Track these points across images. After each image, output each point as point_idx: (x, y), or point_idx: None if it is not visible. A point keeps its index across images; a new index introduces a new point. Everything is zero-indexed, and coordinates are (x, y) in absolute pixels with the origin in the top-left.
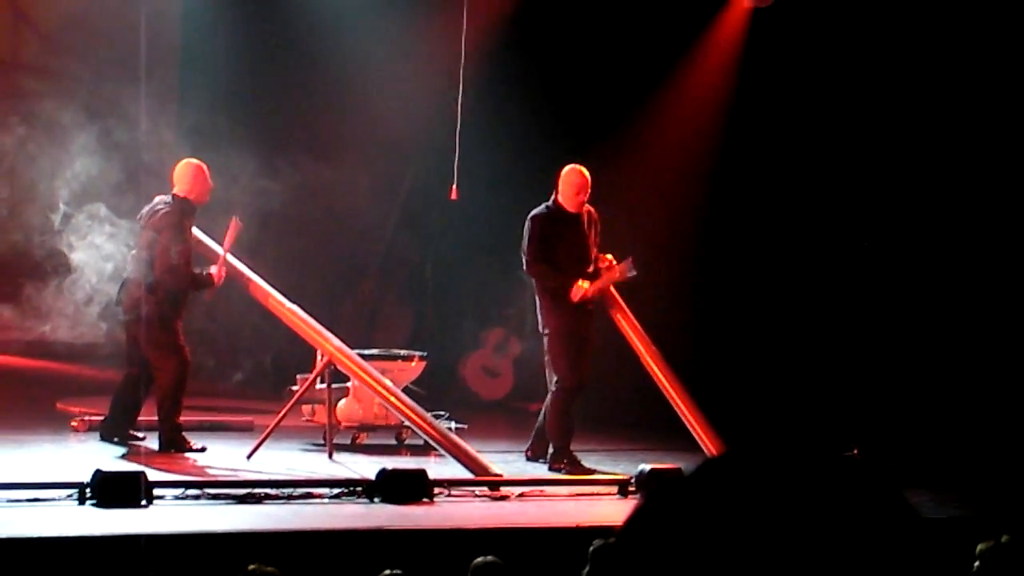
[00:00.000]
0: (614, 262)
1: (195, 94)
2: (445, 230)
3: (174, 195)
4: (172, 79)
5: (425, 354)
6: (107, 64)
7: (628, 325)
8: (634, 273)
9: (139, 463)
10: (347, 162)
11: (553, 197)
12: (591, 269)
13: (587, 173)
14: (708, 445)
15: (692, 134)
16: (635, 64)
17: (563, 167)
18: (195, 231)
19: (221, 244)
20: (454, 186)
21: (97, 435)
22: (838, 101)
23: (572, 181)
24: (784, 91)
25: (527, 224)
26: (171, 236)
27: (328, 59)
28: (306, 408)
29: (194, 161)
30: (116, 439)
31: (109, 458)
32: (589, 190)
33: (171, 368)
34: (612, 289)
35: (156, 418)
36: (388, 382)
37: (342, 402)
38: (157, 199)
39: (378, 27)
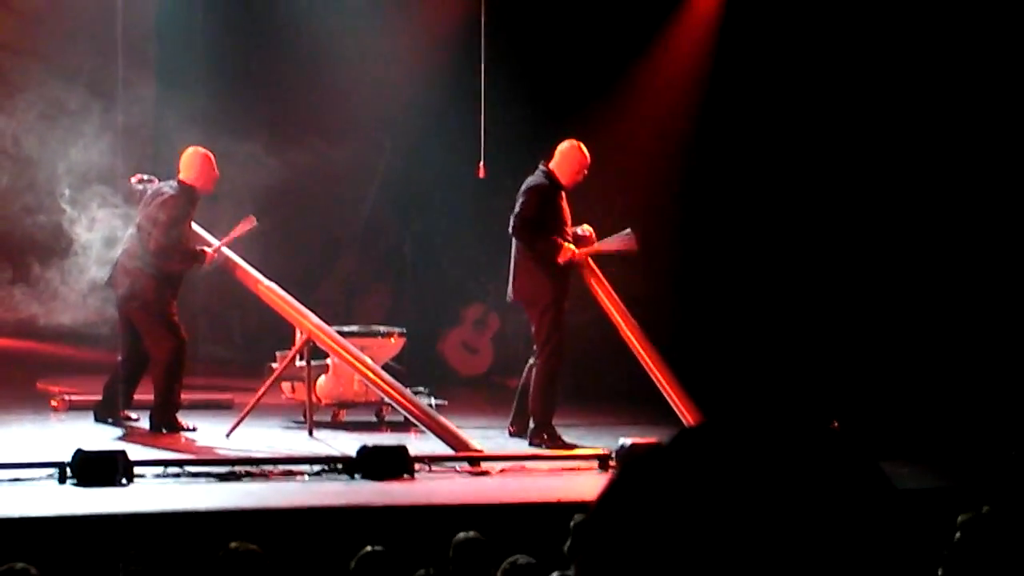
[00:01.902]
0: (590, 232)
1: (170, 74)
2: (423, 206)
3: (180, 181)
4: (147, 59)
5: (404, 331)
6: (82, 44)
7: (604, 294)
8: (635, 248)
9: (120, 442)
10: (324, 139)
11: (547, 168)
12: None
13: (588, 155)
14: (686, 416)
15: (671, 107)
16: (613, 38)
17: (563, 141)
18: (194, 226)
19: (225, 234)
20: (481, 163)
21: (77, 414)
22: (816, 72)
23: (577, 159)
24: (762, 64)
25: (526, 194)
26: (173, 221)
27: (303, 35)
28: (286, 385)
29: (201, 149)
30: (110, 419)
31: (89, 437)
32: (586, 172)
33: (167, 348)
34: (589, 258)
35: (152, 397)
36: (367, 359)
37: (322, 379)
38: (161, 183)
39: (355, 3)
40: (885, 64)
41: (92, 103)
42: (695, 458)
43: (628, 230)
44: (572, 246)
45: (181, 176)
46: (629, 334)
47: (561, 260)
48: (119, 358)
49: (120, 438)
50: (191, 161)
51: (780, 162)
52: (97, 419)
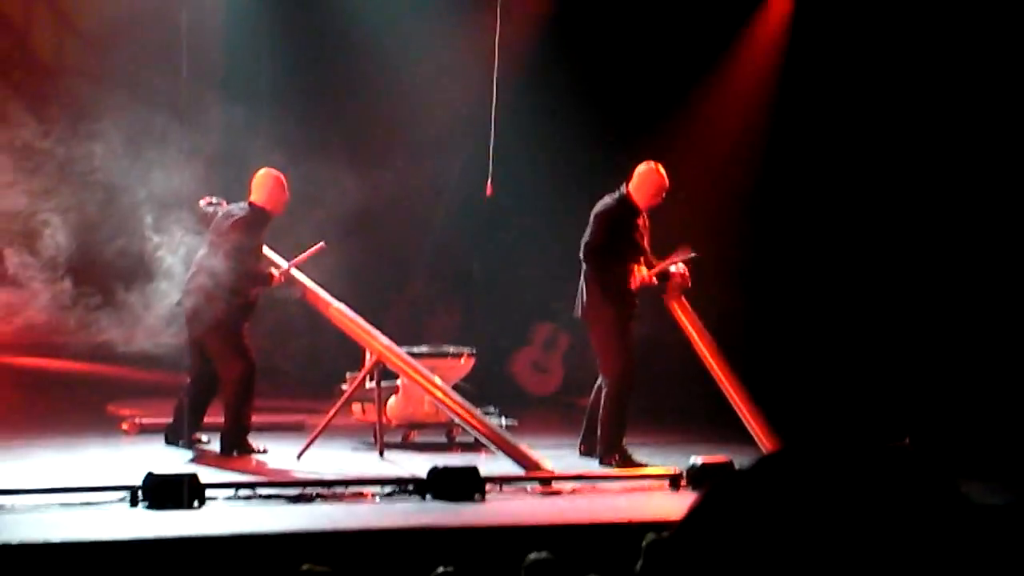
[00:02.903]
0: (684, 271)
1: (236, 94)
2: (492, 226)
3: (251, 203)
4: (214, 80)
5: (474, 351)
6: (151, 67)
7: (687, 319)
8: (693, 254)
9: (191, 465)
10: (392, 160)
11: (624, 190)
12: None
13: (667, 177)
14: (761, 437)
15: (740, 121)
16: (680, 52)
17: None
18: (265, 249)
19: (296, 257)
20: (488, 181)
21: (148, 437)
22: (889, 81)
23: (655, 182)
24: (832, 74)
25: (595, 221)
26: (243, 241)
27: (370, 54)
28: (356, 407)
29: (274, 171)
30: (181, 442)
31: (160, 460)
32: (665, 195)
33: (238, 371)
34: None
35: (222, 420)
36: (438, 379)
37: (392, 400)
38: (231, 206)
39: (423, 20)
40: (967, 74)
41: (167, 127)
42: (775, 485)
43: (687, 247)
44: (644, 270)
45: (252, 198)
46: (705, 351)
47: (634, 286)
48: (188, 380)
49: (191, 461)
50: (262, 183)
51: (854, 173)
52: (168, 442)
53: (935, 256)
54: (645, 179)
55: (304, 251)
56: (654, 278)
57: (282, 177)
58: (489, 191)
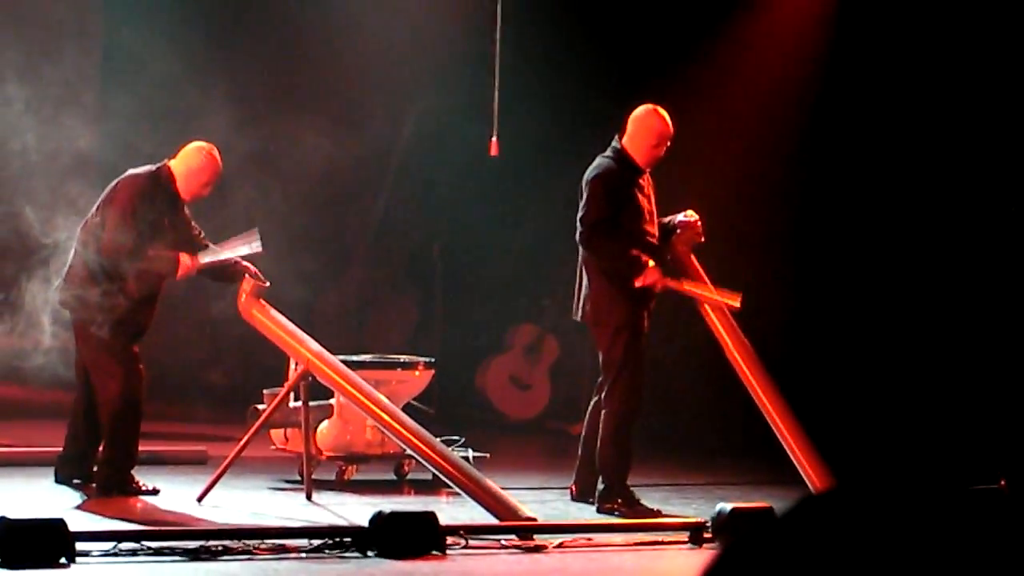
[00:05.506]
0: (694, 219)
1: (129, 39)
2: (458, 196)
3: (164, 165)
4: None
5: (432, 360)
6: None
7: (719, 319)
8: (737, 307)
9: (58, 509)
10: (328, 117)
11: (618, 144)
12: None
13: (670, 122)
14: (813, 478)
15: (783, 69)
16: None
17: (636, 107)
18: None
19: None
20: (493, 139)
21: (4, 472)
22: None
23: (653, 128)
24: (906, 10)
25: (591, 186)
26: (133, 210)
27: None
28: (276, 434)
29: (208, 148)
30: (76, 479)
31: (17, 503)
32: (670, 144)
33: (116, 385)
34: (699, 270)
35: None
36: (384, 398)
37: (323, 425)
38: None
39: None
40: None
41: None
42: (822, 533)
43: (740, 294)
44: (657, 269)
45: (170, 162)
46: (751, 379)
47: (639, 283)
48: (76, 397)
49: (65, 505)
50: (190, 154)
51: (931, 135)
52: (58, 480)
53: None
54: (642, 126)
55: (229, 240)
56: (670, 285)
57: (216, 158)
58: (494, 150)
